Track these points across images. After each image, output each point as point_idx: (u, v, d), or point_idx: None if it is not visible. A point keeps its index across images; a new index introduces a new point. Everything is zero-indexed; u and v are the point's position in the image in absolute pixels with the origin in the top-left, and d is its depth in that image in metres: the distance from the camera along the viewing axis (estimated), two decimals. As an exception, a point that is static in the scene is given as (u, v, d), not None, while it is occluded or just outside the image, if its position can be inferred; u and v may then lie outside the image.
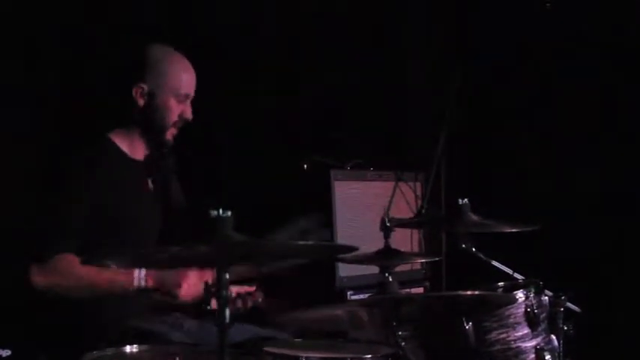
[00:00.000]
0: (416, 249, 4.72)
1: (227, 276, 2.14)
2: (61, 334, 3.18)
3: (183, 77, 3.33)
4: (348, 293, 4.43)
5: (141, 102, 3.29)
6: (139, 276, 3.07)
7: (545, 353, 3.16)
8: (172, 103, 3.30)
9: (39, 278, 3.06)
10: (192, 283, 3.09)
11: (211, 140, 4.13)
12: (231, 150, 4.49)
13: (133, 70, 3.30)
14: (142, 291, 3.08)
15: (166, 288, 3.09)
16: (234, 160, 4.50)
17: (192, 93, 3.37)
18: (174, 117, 3.32)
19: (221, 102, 3.41)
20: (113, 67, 3.52)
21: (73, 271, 3.04)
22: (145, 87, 3.27)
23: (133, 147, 3.35)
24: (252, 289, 3.33)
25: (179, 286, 3.08)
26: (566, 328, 3.32)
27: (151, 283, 3.08)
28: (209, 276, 3.02)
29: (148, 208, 3.37)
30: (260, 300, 3.32)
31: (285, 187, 4.51)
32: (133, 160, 3.36)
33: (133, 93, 3.28)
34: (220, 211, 2.13)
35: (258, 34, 4.63)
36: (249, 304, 3.32)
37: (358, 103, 4.97)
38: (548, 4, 4.68)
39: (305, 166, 4.51)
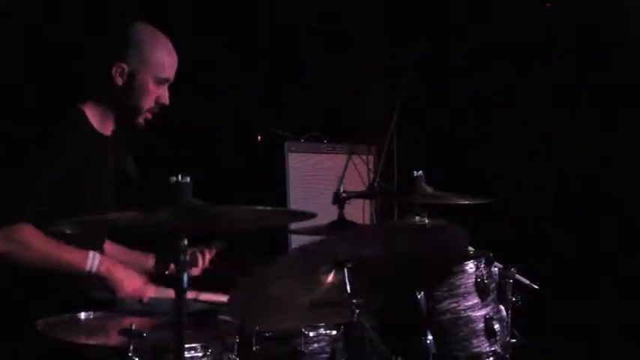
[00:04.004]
0: (368, 222, 4.77)
1: (185, 242, 2.15)
2: (12, 303, 3.15)
3: (166, 60, 3.23)
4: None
5: (119, 81, 3.18)
6: (93, 260, 3.06)
7: (494, 322, 3.24)
8: (151, 85, 3.21)
9: None
10: (136, 287, 3.09)
11: (167, 112, 4.10)
12: (186, 121, 4.47)
13: (115, 47, 3.20)
14: (90, 276, 3.06)
15: (112, 282, 3.08)
16: (189, 131, 4.49)
17: (172, 77, 3.28)
18: (150, 101, 3.23)
19: (178, 73, 3.34)
20: (96, 42, 3.45)
21: (29, 244, 3.02)
22: (126, 67, 3.17)
23: (103, 123, 3.27)
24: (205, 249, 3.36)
25: (122, 287, 3.07)
26: (514, 299, 3.40)
27: (102, 270, 3.06)
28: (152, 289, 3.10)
29: (109, 184, 3.34)
30: (219, 247, 3.34)
31: (239, 159, 4.53)
32: (101, 135, 3.29)
33: (113, 71, 3.17)
34: (180, 176, 2.14)
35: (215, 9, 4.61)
36: (208, 257, 3.36)
37: (313, 77, 4.99)
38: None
39: (259, 137, 4.53)
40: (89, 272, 3.05)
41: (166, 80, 3.26)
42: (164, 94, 3.26)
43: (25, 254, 3.02)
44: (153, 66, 3.20)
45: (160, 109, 3.30)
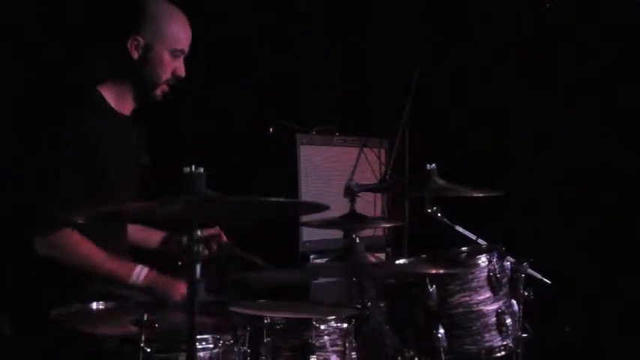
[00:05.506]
0: (379, 215, 4.76)
1: (199, 232, 2.14)
2: (25, 293, 3.16)
3: (181, 33, 3.26)
4: (311, 257, 4.46)
5: (135, 55, 3.20)
6: (139, 274, 3.09)
7: (506, 317, 3.22)
8: (167, 58, 3.23)
9: (42, 249, 3.04)
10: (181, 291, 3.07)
11: (178, 103, 4.10)
12: (198, 113, 4.46)
13: (130, 21, 3.22)
14: (133, 287, 3.09)
15: (158, 291, 3.09)
16: (201, 123, 4.48)
17: (187, 50, 3.30)
18: (167, 73, 3.25)
19: (189, 64, 3.34)
20: (109, 16, 3.46)
21: (73, 250, 3.06)
22: (141, 40, 3.19)
23: (121, 102, 3.28)
24: (216, 230, 3.30)
25: (170, 294, 3.08)
26: (526, 293, 3.39)
27: (145, 282, 3.10)
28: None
29: (129, 166, 3.33)
30: (225, 242, 3.31)
31: (251, 151, 4.52)
32: (121, 115, 3.29)
33: (128, 45, 3.20)
34: (193, 167, 2.13)
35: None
36: (214, 247, 3.30)
37: (324, 69, 4.98)
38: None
39: (271, 129, 4.52)
40: (133, 284, 3.09)
41: (181, 52, 3.28)
42: (180, 67, 3.28)
43: (70, 259, 3.06)
44: (168, 38, 3.23)
45: (176, 81, 3.30)
